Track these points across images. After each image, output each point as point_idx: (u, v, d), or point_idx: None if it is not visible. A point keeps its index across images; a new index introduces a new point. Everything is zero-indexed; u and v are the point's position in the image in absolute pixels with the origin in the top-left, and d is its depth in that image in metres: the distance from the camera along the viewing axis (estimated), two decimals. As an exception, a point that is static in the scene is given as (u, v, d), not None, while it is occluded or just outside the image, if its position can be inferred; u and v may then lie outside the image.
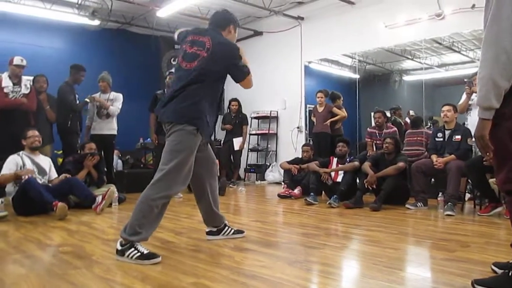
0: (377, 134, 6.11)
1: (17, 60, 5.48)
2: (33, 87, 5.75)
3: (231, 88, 9.16)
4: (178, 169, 2.61)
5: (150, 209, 2.56)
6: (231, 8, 7.84)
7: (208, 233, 3.18)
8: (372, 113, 6.53)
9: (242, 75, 2.85)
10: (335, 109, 7.08)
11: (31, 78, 5.93)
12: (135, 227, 2.53)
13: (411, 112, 7.25)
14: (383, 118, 6.12)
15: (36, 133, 4.95)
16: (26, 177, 4.39)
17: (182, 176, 2.65)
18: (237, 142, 7.83)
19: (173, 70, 6.71)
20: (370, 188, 5.02)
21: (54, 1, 7.49)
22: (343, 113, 7.10)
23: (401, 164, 4.94)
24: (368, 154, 5.86)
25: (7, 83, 5.43)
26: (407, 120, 7.16)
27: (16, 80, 5.50)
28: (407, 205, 4.90)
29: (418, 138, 5.88)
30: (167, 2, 7.37)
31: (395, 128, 6.13)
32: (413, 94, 7.48)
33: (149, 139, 7.15)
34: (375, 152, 5.89)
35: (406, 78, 7.80)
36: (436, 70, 7.22)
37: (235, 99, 8.03)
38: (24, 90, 5.53)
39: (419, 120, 6.31)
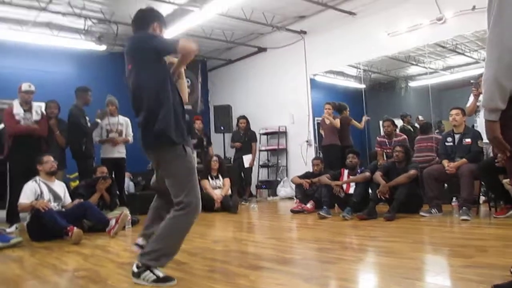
0: (387, 143, 6.09)
1: (25, 86, 5.58)
2: (43, 113, 5.84)
3: (239, 106, 9.27)
4: (193, 195, 2.56)
5: (177, 240, 2.57)
6: (233, 27, 8.11)
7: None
8: (381, 122, 6.51)
9: (169, 46, 2.57)
10: (336, 121, 7.12)
11: (42, 104, 6.03)
12: (157, 256, 2.50)
13: (420, 118, 7.22)
14: (392, 127, 6.10)
15: (52, 158, 5.00)
16: (41, 210, 4.42)
17: (198, 198, 2.59)
18: (247, 159, 7.88)
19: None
20: (383, 198, 4.98)
21: (61, 28, 7.63)
22: (360, 124, 7.15)
23: (412, 171, 4.90)
24: (378, 164, 5.81)
25: (18, 110, 5.52)
26: (417, 125, 7.12)
27: (27, 107, 5.59)
28: (421, 213, 4.84)
29: (428, 144, 5.84)
30: (171, 24, 7.46)
31: (405, 136, 6.11)
32: (420, 99, 7.46)
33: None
34: (386, 161, 5.85)
35: (412, 84, 7.79)
36: (441, 73, 7.22)
37: (243, 117, 8.13)
38: (35, 116, 5.61)
39: (428, 126, 6.27)
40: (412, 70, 7.65)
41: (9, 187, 5.50)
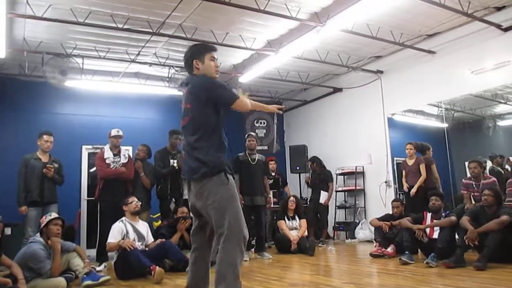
0: (474, 186, 5.71)
1: (113, 132, 6.07)
2: (130, 156, 6.26)
3: (314, 146, 9.28)
4: (236, 224, 2.58)
5: (235, 272, 2.56)
6: (309, 68, 8.26)
7: None
8: (466, 163, 6.15)
9: (228, 98, 2.74)
10: (421, 167, 6.76)
11: (130, 148, 6.46)
12: None
13: (511, 159, 6.72)
14: (479, 168, 5.72)
15: (135, 199, 5.33)
16: (128, 249, 4.69)
17: (242, 226, 2.61)
18: (323, 195, 7.83)
19: (251, 132, 6.98)
20: (472, 245, 4.63)
21: (147, 77, 8.24)
22: (424, 174, 6.73)
23: (504, 217, 4.52)
24: (465, 208, 5.47)
25: (108, 154, 6.00)
26: (508, 167, 6.63)
27: (116, 151, 6.04)
28: (517, 263, 4.43)
29: (521, 187, 5.40)
30: (248, 68, 7.77)
31: (494, 178, 5.68)
32: (510, 139, 6.97)
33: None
34: (474, 205, 5.49)
35: (500, 123, 7.32)
36: (534, 112, 6.74)
37: (310, 159, 8.33)
38: (123, 159, 6.04)
39: (520, 168, 5.83)
40: (501, 108, 7.20)
41: (99, 227, 5.90)
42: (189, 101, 2.79)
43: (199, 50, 2.88)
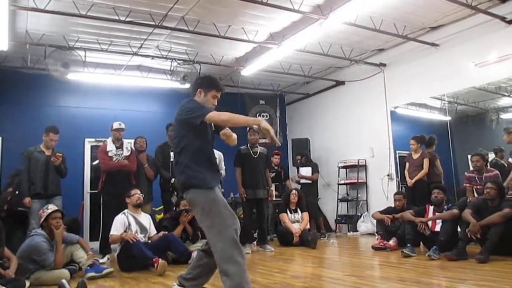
0: (477, 179, 5.70)
1: (116, 125, 6.08)
2: (133, 148, 6.27)
3: (317, 139, 9.27)
4: (220, 228, 2.70)
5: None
6: (311, 61, 8.24)
7: None
8: (469, 156, 6.14)
9: (194, 119, 2.82)
10: (425, 161, 6.73)
11: (132, 140, 6.48)
12: None
13: (515, 152, 6.69)
14: (482, 162, 5.70)
15: (138, 191, 5.34)
16: (130, 241, 4.71)
17: (228, 227, 2.71)
18: (305, 170, 8.12)
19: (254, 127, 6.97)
20: (474, 238, 4.64)
21: (150, 70, 8.23)
22: (425, 168, 6.69)
23: (506, 210, 4.52)
24: (468, 201, 5.46)
25: (111, 147, 6.02)
26: (510, 161, 6.60)
27: (119, 143, 6.06)
28: (519, 255, 4.44)
29: (525, 181, 5.39)
30: (250, 61, 7.75)
31: (497, 171, 5.67)
32: (514, 132, 6.93)
33: (238, 194, 7.33)
34: (476, 198, 5.48)
35: (504, 116, 7.29)
36: (537, 105, 6.69)
37: (298, 154, 8.62)
38: (126, 152, 6.06)
39: (522, 161, 5.81)
40: (504, 101, 7.16)
41: (102, 219, 5.92)
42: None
43: (209, 84, 3.06)
